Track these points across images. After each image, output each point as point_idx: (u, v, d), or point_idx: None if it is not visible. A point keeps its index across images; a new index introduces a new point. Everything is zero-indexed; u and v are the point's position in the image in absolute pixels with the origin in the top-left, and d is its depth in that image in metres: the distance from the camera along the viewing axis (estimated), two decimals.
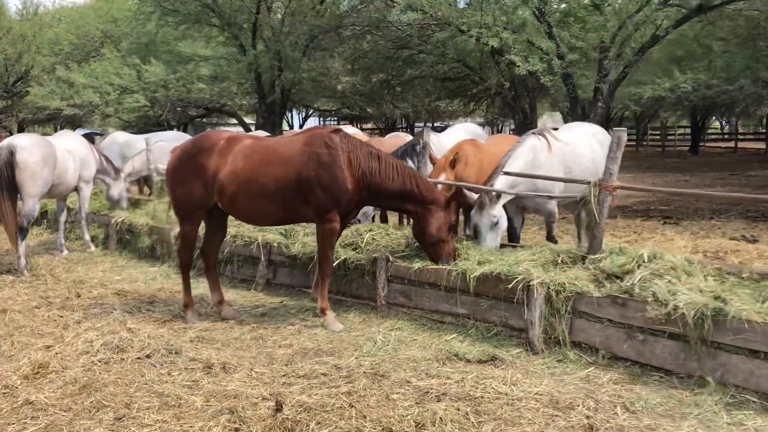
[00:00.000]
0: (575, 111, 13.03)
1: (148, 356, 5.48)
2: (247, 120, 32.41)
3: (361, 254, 6.81)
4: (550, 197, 7.24)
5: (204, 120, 36.01)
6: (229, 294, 7.62)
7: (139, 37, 26.51)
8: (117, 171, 11.08)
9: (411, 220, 6.76)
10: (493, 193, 6.54)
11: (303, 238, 7.66)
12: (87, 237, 10.44)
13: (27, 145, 8.72)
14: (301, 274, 7.48)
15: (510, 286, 5.45)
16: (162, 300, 7.44)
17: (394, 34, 16.26)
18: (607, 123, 20.40)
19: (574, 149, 7.60)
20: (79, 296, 7.63)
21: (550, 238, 7.60)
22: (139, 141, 14.32)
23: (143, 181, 14.52)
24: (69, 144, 9.80)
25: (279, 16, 17.10)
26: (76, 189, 10.05)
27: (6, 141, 8.67)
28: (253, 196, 6.16)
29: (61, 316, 6.80)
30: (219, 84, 24.07)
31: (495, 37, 12.06)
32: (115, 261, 9.75)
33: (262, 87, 18.06)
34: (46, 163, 8.93)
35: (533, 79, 13.16)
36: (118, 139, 14.60)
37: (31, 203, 8.83)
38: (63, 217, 10.35)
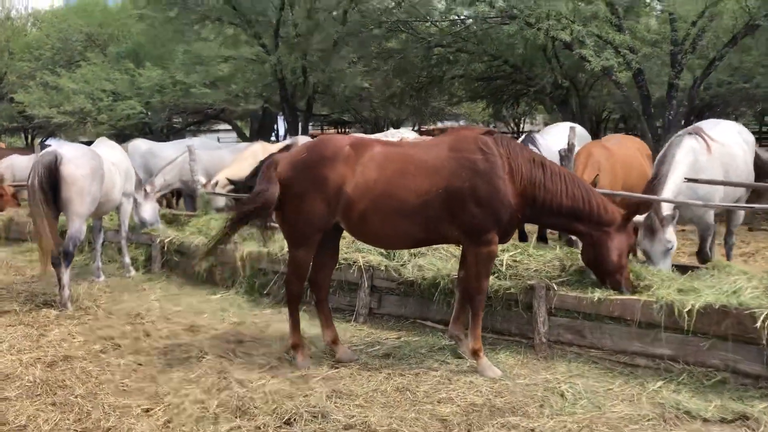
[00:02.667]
0: (647, 111, 12.06)
1: (288, 423, 4.35)
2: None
3: (504, 281, 5.71)
4: (708, 206, 6.21)
5: (192, 127, 34.20)
6: (315, 322, 6.50)
7: (128, 39, 25.21)
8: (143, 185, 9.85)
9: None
10: (668, 213, 5.49)
11: (416, 260, 6.53)
12: (127, 260, 9.21)
13: (75, 157, 7.50)
14: (416, 303, 6.37)
15: (741, 321, 4.38)
16: (251, 338, 6.28)
17: (431, 30, 15.21)
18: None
19: (730, 150, 6.60)
20: (148, 335, 6.44)
21: (704, 254, 6.56)
22: (165, 149, 13.09)
23: (173, 195, 13.28)
24: (113, 155, 8.59)
25: (304, 13, 15.89)
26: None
27: (50, 150, 7.43)
28: (389, 214, 5.05)
29: (140, 364, 5.62)
30: (228, 88, 22.88)
31: (565, 30, 11.05)
32: (166, 288, 8.53)
33: (286, 90, 16.85)
34: (95, 177, 7.72)
35: (605, 75, 12.16)
36: (139, 147, 13.33)
37: (78, 224, 7.60)
38: (100, 238, 9.11)
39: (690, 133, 6.39)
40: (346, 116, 32.36)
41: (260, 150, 11.10)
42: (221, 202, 10.56)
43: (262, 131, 28.40)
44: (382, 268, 6.54)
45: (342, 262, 6.89)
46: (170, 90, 22.19)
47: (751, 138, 7.11)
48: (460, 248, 5.58)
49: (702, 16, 11.28)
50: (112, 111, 24.96)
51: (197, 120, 30.19)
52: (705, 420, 4.13)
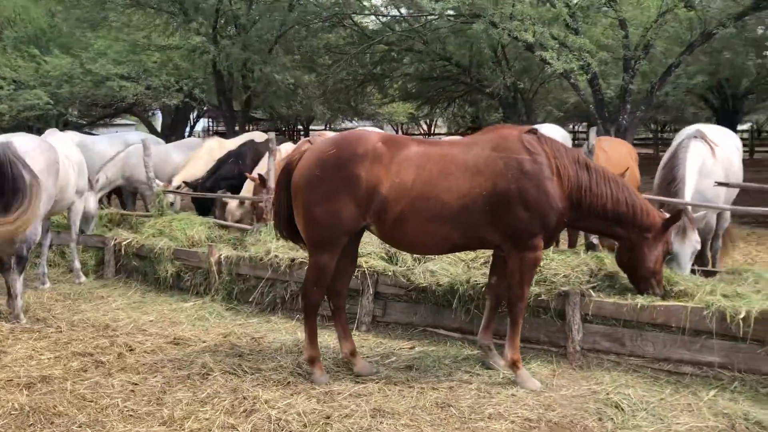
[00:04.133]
0: (602, 114, 12.29)
1: None
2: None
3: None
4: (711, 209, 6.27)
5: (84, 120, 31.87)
6: (322, 336, 6.10)
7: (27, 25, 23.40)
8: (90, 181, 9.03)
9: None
10: (698, 214, 5.45)
11: (423, 265, 6.22)
12: (77, 264, 8.37)
13: (29, 149, 6.67)
14: (428, 310, 6.06)
15: None
16: (250, 350, 5.76)
17: (376, 27, 14.93)
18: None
19: (728, 154, 6.71)
20: (131, 350, 5.79)
21: (704, 257, 6.63)
22: (98, 143, 12.08)
23: (114, 194, 12.27)
24: (65, 147, 7.76)
25: (246, 4, 15.16)
26: None
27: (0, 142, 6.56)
28: (428, 218, 4.72)
29: (137, 384, 5.02)
30: (149, 80, 21.69)
31: (528, 31, 11.05)
32: (126, 295, 7.79)
33: (224, 84, 16.04)
34: (51, 172, 6.91)
35: (564, 78, 12.27)
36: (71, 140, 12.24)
37: (32, 225, 6.75)
38: (48, 240, 8.22)
39: (695, 137, 6.43)
40: (258, 113, 31.50)
41: (216, 147, 10.44)
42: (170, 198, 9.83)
43: (174, 127, 27.15)
44: (389, 273, 6.17)
45: None
46: (80, 80, 20.72)
47: (740, 143, 7.27)
48: (491, 253, 5.33)
49: (654, 25, 11.59)
50: (13, 101, 23.12)
51: (108, 114, 28.54)
52: None
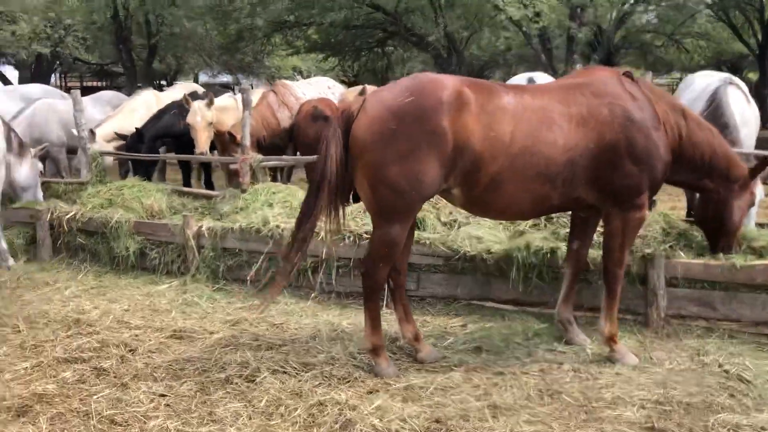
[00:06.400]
0: (552, 63, 12.02)
1: None
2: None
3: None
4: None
5: None
6: (345, 313, 5.41)
7: None
8: (22, 144, 7.54)
9: None
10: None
11: (460, 231, 5.56)
12: (3, 245, 6.93)
13: None
14: (475, 282, 5.43)
15: None
16: (280, 340, 4.89)
17: None
18: None
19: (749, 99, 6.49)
20: (132, 351, 4.73)
21: None
22: None
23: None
24: None
25: None
26: None
27: None
28: (531, 177, 4.07)
29: (164, 395, 4.07)
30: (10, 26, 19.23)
31: None
32: (77, 279, 6.54)
33: (123, 29, 14.18)
34: None
35: (518, 27, 11.81)
36: None
37: None
38: None
39: (730, 83, 6.15)
40: (117, 66, 28.87)
41: (153, 99, 9.08)
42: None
43: (38, 81, 24.31)
44: (424, 241, 5.45)
45: (355, 235, 5.69)
46: None
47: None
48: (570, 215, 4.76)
49: None
50: None
51: None
52: None
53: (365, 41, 18.11)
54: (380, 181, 4.04)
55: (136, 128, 8.28)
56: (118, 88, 20.04)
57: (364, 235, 5.63)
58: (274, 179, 8.15)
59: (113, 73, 31.30)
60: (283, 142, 8.49)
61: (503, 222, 5.67)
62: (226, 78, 32.44)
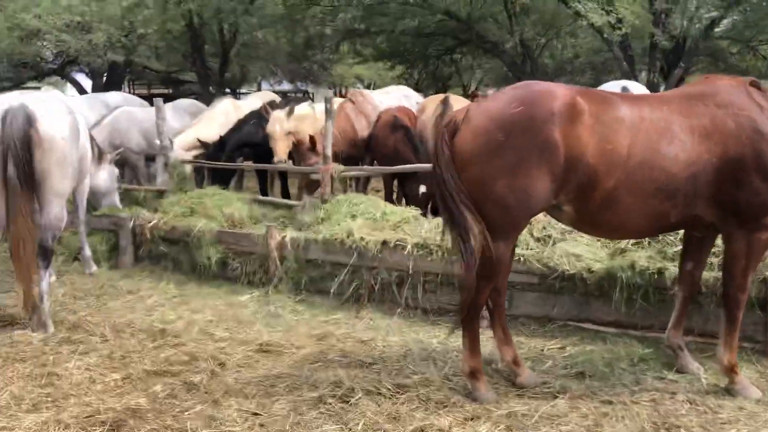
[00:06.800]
0: (633, 71, 11.60)
1: None
2: None
3: (711, 271, 4.67)
4: None
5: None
6: (434, 331, 5.22)
7: None
8: (101, 151, 7.64)
9: None
10: None
11: (555, 247, 5.29)
12: (88, 252, 7.01)
13: (49, 112, 5.31)
14: (573, 302, 5.15)
15: None
16: (370, 358, 4.73)
17: None
18: None
19: None
20: (221, 364, 4.64)
21: None
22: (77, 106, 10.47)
23: None
24: (77, 108, 6.36)
25: None
26: None
27: (15, 106, 5.13)
28: (650, 194, 3.80)
29: (258, 413, 3.94)
30: (90, 35, 19.59)
31: None
32: (159, 287, 6.55)
33: (198, 38, 14.37)
34: (75, 140, 5.58)
35: (599, 34, 11.44)
36: None
37: (58, 206, 5.44)
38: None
39: None
40: (188, 75, 29.30)
41: (232, 108, 9.11)
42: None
43: (110, 89, 24.94)
44: (518, 258, 5.21)
45: (444, 249, 5.48)
46: (5, 36, 18.39)
47: None
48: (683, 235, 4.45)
49: None
50: None
51: (33, 76, 26.02)
52: None
53: (435, 49, 17.92)
54: (485, 196, 3.83)
55: (220, 136, 8.31)
56: (188, 95, 20.42)
57: (453, 251, 5.42)
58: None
59: (179, 80, 31.97)
60: (360, 152, 8.37)
61: (601, 239, 5.37)
62: (286, 86, 32.69)
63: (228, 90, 32.62)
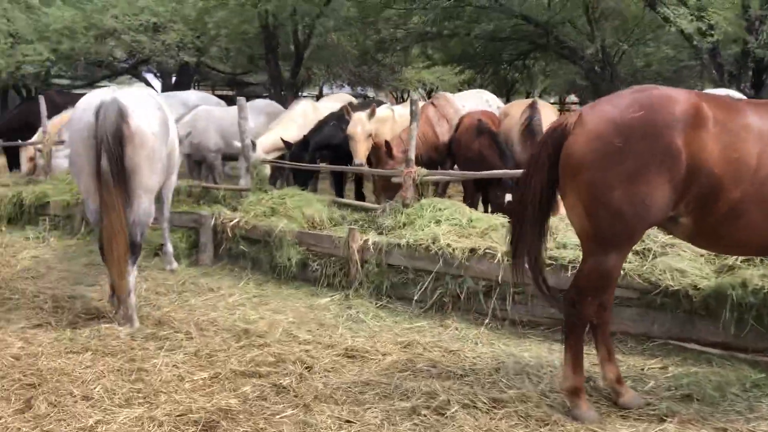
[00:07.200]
0: (723, 80, 11.10)
1: None
2: None
3: None
4: None
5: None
6: (524, 344, 5.04)
7: None
8: None
9: None
10: None
11: (655, 261, 5.02)
12: (170, 248, 7.07)
13: (141, 107, 5.35)
14: (675, 320, 4.88)
15: None
16: (464, 369, 4.57)
17: None
18: None
19: None
20: (308, 368, 4.57)
21: None
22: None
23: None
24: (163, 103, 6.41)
25: None
26: None
27: (107, 100, 5.18)
28: None
29: (351, 421, 3.86)
30: (164, 36, 19.99)
31: None
32: (239, 286, 6.53)
33: (272, 40, 14.47)
34: (164, 135, 5.61)
35: (687, 41, 11.02)
36: None
37: (147, 202, 5.48)
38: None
39: None
40: (252, 77, 29.63)
41: (310, 109, 9.10)
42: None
43: (179, 89, 25.46)
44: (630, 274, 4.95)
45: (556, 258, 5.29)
46: (83, 35, 18.89)
47: None
48: None
49: None
50: (10, 57, 21.34)
51: (107, 75, 26.71)
52: None
53: (508, 54, 17.62)
54: (600, 205, 3.63)
55: (303, 136, 8.31)
56: (252, 97, 20.59)
57: (547, 261, 5.22)
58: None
59: (243, 82, 32.53)
60: (441, 156, 8.22)
61: (704, 254, 5.08)
62: (345, 90, 32.88)
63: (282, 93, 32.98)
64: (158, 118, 5.52)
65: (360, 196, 8.99)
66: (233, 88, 37.39)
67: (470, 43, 16.44)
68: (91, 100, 5.34)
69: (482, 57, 18.08)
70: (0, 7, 21.69)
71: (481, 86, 23.80)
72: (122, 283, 5.18)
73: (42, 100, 10.13)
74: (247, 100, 8.33)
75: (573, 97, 31.67)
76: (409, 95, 36.22)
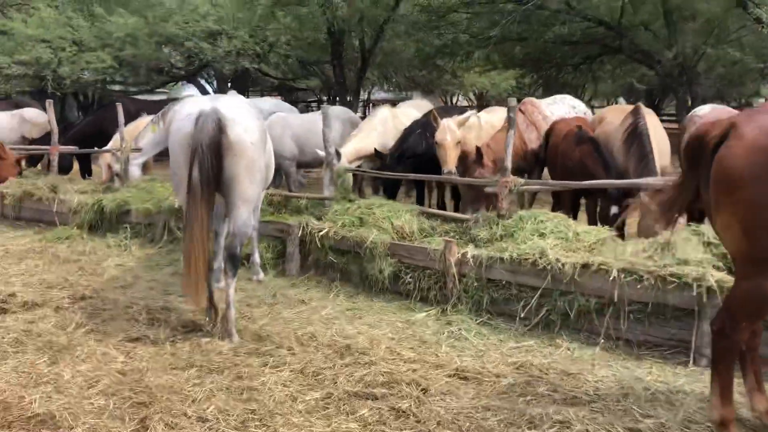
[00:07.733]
0: None
1: None
2: None
3: None
4: None
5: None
6: (643, 365, 4.74)
7: None
8: None
9: None
10: None
11: None
12: (257, 258, 6.96)
13: (240, 116, 5.24)
14: None
15: None
16: (587, 395, 4.29)
17: None
18: None
19: None
20: (425, 391, 4.35)
21: None
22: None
23: None
24: (259, 114, 6.31)
25: None
26: None
27: (206, 111, 5.08)
28: None
29: None
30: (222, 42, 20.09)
31: None
32: (329, 298, 6.37)
33: (338, 47, 14.38)
34: (264, 145, 5.50)
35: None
36: None
37: (246, 213, 5.36)
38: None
39: None
40: (304, 83, 29.64)
41: (390, 116, 8.92)
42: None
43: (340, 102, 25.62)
44: None
45: (655, 276, 4.97)
46: (145, 41, 19.11)
47: None
48: None
49: None
50: (74, 64, 21.72)
51: (166, 81, 27.05)
52: None
53: (577, 57, 17.20)
54: (760, 223, 3.33)
55: (396, 147, 8.15)
56: (300, 102, 20.44)
57: (668, 278, 4.92)
58: None
59: (292, 88, 32.74)
60: (529, 165, 7.95)
61: None
62: (385, 95, 32.74)
63: (324, 98, 32.96)
64: (257, 127, 5.41)
65: (442, 205, 8.77)
66: (282, 95, 37.72)
67: (539, 47, 16.07)
68: (191, 109, 5.25)
69: (547, 61, 17.70)
70: (64, 16, 22.23)
71: (530, 90, 23.43)
72: (197, 299, 5.04)
73: (119, 107, 10.19)
74: (296, 105, 8.18)
75: (622, 101, 31.01)
76: (457, 99, 35.91)
